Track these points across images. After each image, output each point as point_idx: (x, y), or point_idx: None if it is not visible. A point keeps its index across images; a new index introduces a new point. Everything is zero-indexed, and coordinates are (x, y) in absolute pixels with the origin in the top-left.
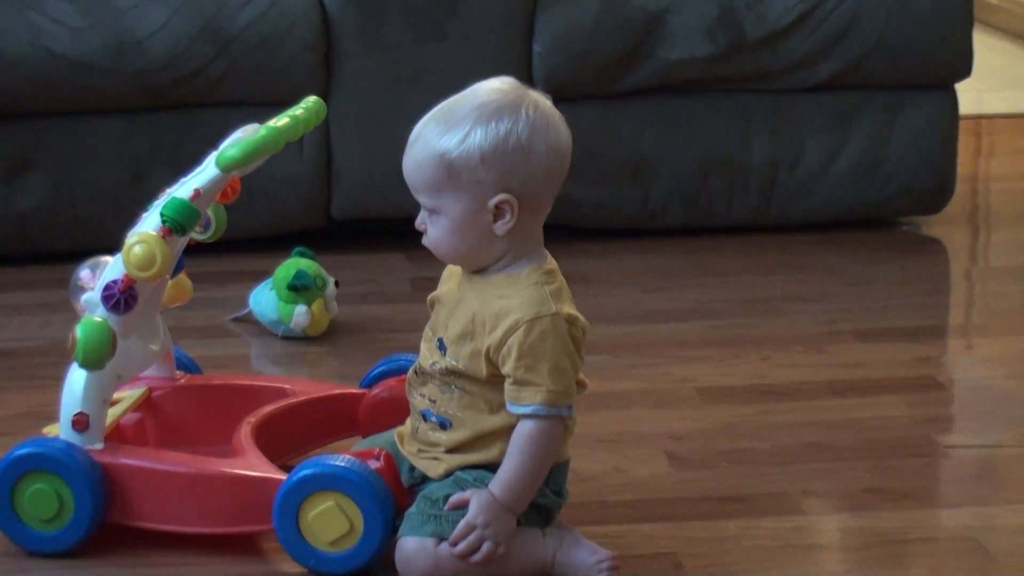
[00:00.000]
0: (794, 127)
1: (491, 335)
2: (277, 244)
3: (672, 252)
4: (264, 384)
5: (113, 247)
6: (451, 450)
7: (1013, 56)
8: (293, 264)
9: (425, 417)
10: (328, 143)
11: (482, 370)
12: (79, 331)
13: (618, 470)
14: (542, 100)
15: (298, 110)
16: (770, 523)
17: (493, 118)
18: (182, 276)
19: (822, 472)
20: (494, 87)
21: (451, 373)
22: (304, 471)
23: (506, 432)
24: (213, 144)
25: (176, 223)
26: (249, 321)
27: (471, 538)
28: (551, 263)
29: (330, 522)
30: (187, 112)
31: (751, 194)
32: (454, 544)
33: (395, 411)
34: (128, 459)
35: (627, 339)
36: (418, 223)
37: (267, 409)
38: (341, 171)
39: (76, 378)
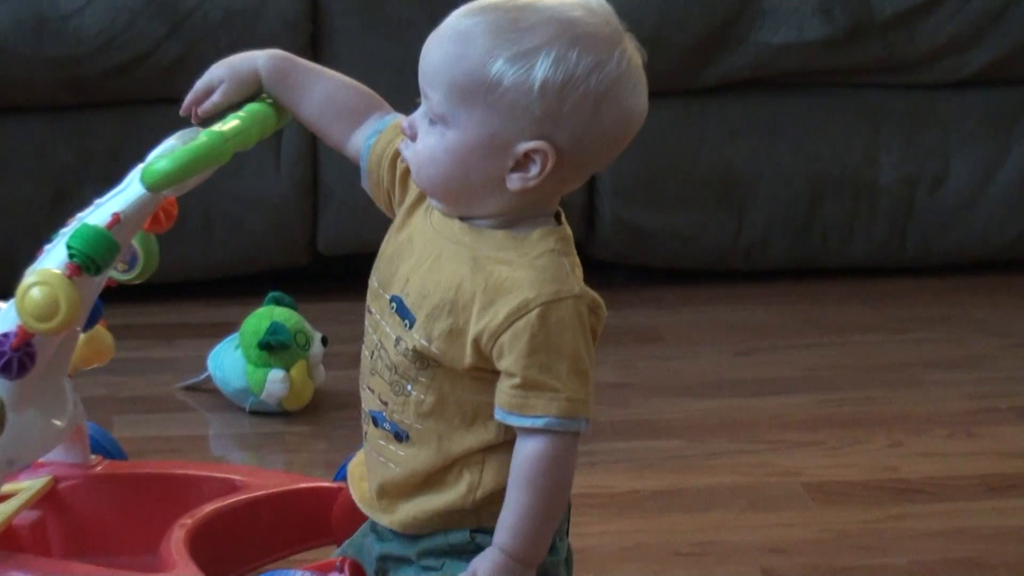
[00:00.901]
0: (937, 135)
1: (485, 314)
2: (246, 288)
3: (773, 301)
4: (207, 475)
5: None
6: (406, 487)
7: None
8: (266, 315)
9: (376, 421)
10: (314, 154)
11: (464, 359)
12: None
13: None
14: (635, 49)
15: (251, 107)
16: None
17: (576, 45)
18: (99, 328)
19: None
20: (589, 5)
21: (418, 358)
22: None
23: (480, 459)
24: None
25: (87, 258)
26: (208, 390)
27: None
28: (566, 228)
29: None
30: (127, 111)
31: (879, 224)
32: None
33: None
34: (17, 573)
35: (712, 418)
36: (405, 124)
37: (209, 508)
38: (331, 191)
39: None
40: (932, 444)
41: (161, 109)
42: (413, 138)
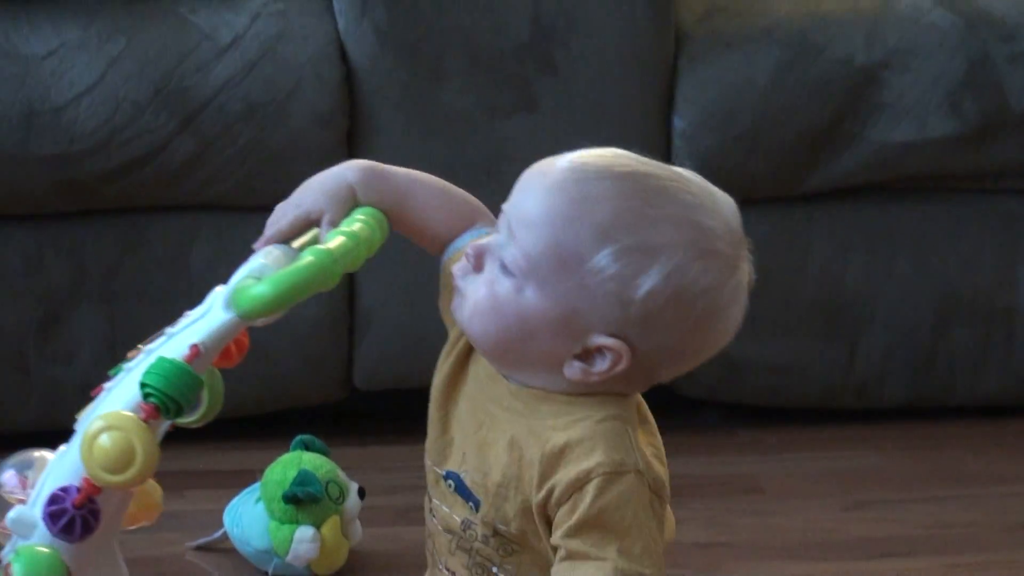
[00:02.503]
0: None
1: (545, 484)
2: (270, 430)
3: (891, 446)
4: None
5: (14, 432)
6: None
7: None
8: (294, 462)
9: None
10: (350, 275)
11: (541, 534)
12: (16, 567)
13: None
14: (749, 268)
15: (355, 224)
16: None
17: (699, 261)
18: (150, 481)
19: None
20: (723, 212)
21: (500, 544)
22: None
23: None
24: (175, 272)
25: (168, 398)
26: (223, 549)
27: None
28: (635, 397)
29: None
30: (129, 220)
31: (1016, 354)
32: None
33: None
34: None
35: None
36: (471, 251)
37: None
38: (369, 315)
39: None
40: None
41: (169, 219)
42: (478, 270)
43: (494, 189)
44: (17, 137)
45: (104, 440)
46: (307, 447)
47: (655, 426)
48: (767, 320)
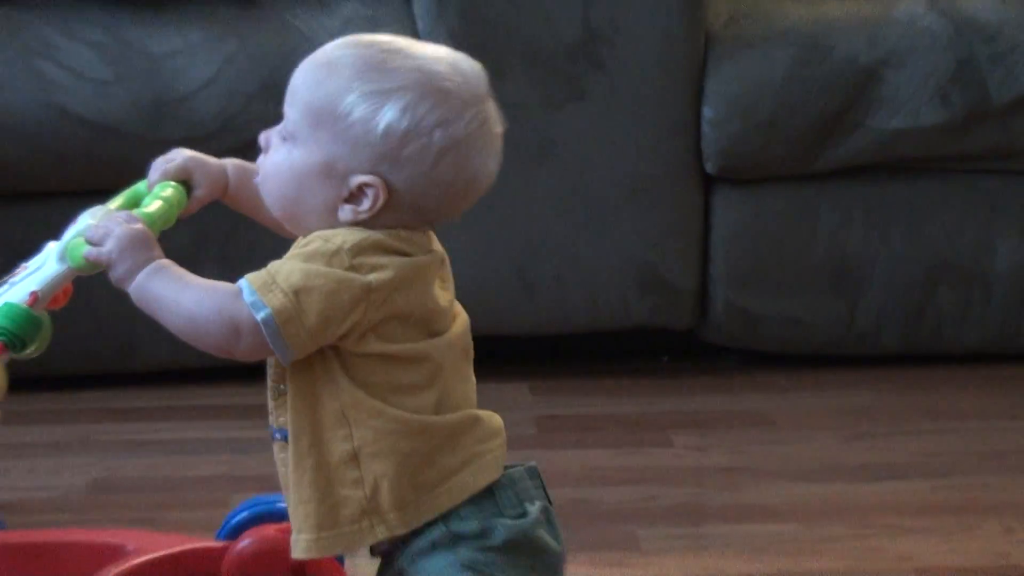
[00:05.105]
0: None
1: None
2: None
3: (886, 387)
4: (93, 540)
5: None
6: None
7: None
8: None
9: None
10: None
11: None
12: None
13: None
14: (494, 114)
15: (167, 189)
16: None
17: (429, 99)
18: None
19: None
20: (458, 64)
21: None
22: None
23: (344, 419)
24: (278, 237)
25: (15, 337)
26: None
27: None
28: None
29: None
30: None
31: (993, 311)
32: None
33: (271, 568)
34: None
35: (824, 503)
36: (262, 137)
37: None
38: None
39: None
40: None
41: None
42: (266, 152)
43: (549, 168)
44: (148, 123)
45: None
46: None
47: (450, 275)
48: (781, 279)
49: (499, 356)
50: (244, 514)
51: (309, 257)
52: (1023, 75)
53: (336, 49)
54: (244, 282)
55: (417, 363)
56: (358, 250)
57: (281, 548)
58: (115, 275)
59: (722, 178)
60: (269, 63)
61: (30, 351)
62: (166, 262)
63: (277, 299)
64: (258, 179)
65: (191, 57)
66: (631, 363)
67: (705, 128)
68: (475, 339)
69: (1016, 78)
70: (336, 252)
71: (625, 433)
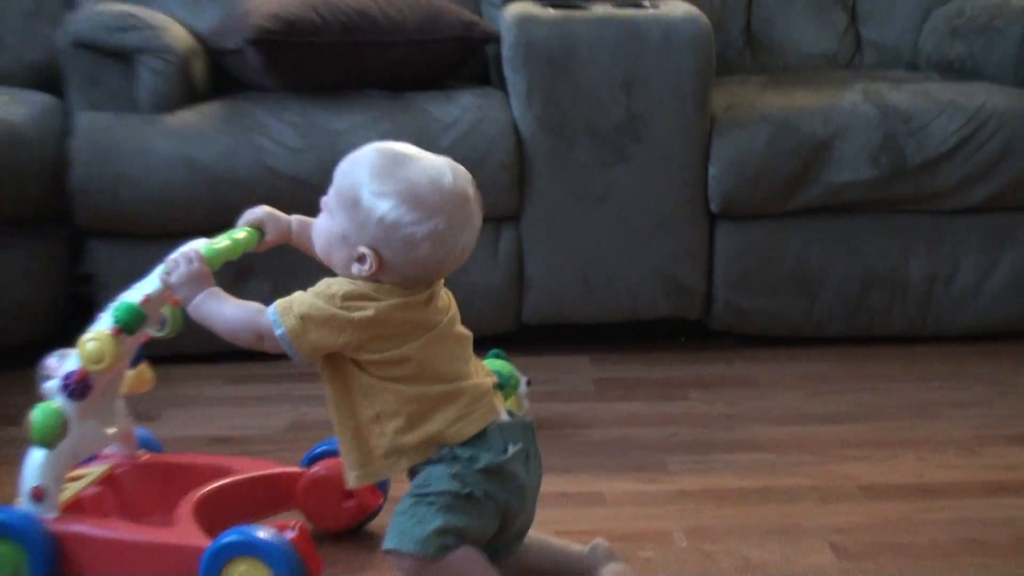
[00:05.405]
0: (950, 245)
1: None
2: (474, 347)
3: (834, 360)
4: (210, 463)
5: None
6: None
7: None
8: (490, 364)
9: None
10: (520, 254)
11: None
12: (34, 414)
13: (786, 559)
14: (467, 211)
15: (241, 232)
16: None
17: (411, 203)
18: (143, 367)
19: (976, 567)
20: (441, 178)
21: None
22: (224, 540)
23: (364, 395)
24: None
25: (124, 323)
26: None
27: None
28: (396, 293)
29: None
30: None
31: (909, 307)
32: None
33: (332, 488)
34: (77, 528)
35: (792, 439)
36: (321, 201)
37: (210, 485)
38: (532, 280)
39: (35, 456)
40: (947, 459)
41: None
42: (320, 213)
43: (604, 208)
44: (328, 177)
45: (89, 345)
46: (497, 356)
47: (443, 292)
48: (762, 285)
49: (568, 337)
50: (319, 449)
51: (317, 295)
52: (929, 146)
53: (364, 151)
54: (273, 305)
55: (401, 362)
56: (346, 297)
57: (338, 476)
58: (177, 296)
59: (722, 215)
60: (411, 137)
61: (163, 333)
62: (215, 290)
63: (290, 321)
64: (315, 232)
65: (359, 132)
66: (659, 342)
67: (710, 181)
68: (552, 326)
69: (924, 148)
70: (332, 296)
71: (656, 390)
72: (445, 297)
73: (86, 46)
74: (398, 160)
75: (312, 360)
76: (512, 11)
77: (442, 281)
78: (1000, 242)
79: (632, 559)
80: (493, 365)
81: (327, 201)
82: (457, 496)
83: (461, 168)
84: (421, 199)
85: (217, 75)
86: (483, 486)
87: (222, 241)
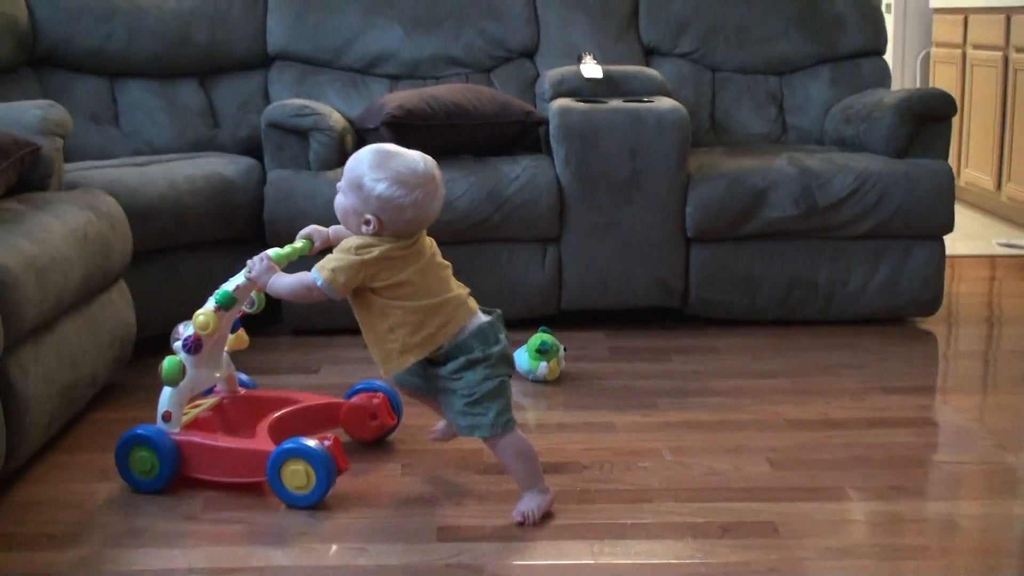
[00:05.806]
0: (846, 260)
1: None
2: (528, 325)
3: (770, 336)
4: (284, 396)
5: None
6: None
7: (975, 220)
8: (539, 337)
9: None
10: (560, 263)
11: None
12: (164, 363)
13: (737, 469)
14: (436, 187)
15: (299, 242)
16: (830, 505)
17: (398, 183)
18: (240, 331)
19: (863, 475)
20: (416, 165)
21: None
22: (283, 447)
23: (381, 313)
24: (492, 269)
25: (221, 304)
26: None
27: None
28: (394, 241)
29: (296, 477)
30: (475, 247)
31: (819, 301)
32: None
33: (363, 412)
34: (191, 438)
35: (742, 388)
36: (337, 185)
37: (282, 410)
38: (567, 280)
39: (165, 391)
40: (842, 403)
41: (491, 245)
42: (337, 192)
43: (614, 235)
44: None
45: (200, 318)
46: (544, 331)
47: (426, 240)
48: (722, 285)
49: (591, 319)
50: (359, 387)
51: (340, 251)
52: (831, 194)
53: (364, 151)
54: (314, 268)
55: (402, 285)
56: (359, 247)
57: (367, 406)
58: (259, 283)
59: (695, 239)
60: (487, 186)
61: (252, 311)
62: (279, 273)
63: (326, 274)
64: (335, 207)
65: (457, 182)
66: (652, 323)
67: (687, 217)
68: (581, 311)
69: (828, 195)
70: (350, 248)
71: (650, 354)
72: (427, 241)
73: (277, 126)
74: (388, 155)
75: (344, 295)
76: (556, 104)
77: (424, 231)
78: (878, 258)
79: (634, 468)
80: (542, 337)
81: (341, 185)
82: (493, 386)
83: (430, 159)
84: (405, 180)
85: (361, 145)
86: (501, 372)
87: (285, 249)
